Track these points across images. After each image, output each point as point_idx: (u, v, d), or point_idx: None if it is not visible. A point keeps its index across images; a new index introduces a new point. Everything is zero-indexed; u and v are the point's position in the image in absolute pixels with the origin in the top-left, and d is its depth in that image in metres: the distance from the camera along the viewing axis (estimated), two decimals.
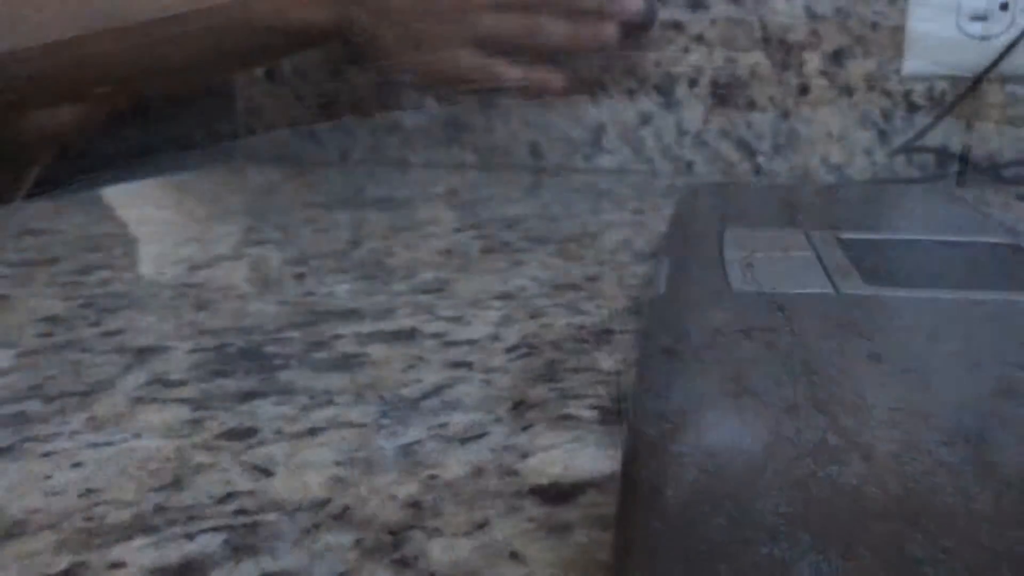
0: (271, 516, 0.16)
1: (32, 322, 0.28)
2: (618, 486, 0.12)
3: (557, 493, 0.17)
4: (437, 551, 0.15)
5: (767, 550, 0.10)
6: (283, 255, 0.38)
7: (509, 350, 0.26)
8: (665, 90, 0.64)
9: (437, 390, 0.22)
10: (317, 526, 0.16)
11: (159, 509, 0.17)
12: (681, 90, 0.64)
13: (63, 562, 0.15)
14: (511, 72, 0.54)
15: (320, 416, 0.21)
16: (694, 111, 0.64)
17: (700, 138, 0.64)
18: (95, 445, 0.19)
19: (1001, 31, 0.56)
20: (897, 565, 0.10)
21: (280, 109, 0.68)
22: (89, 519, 0.16)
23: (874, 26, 0.60)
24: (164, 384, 0.23)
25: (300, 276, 0.34)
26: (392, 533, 0.16)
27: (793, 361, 0.16)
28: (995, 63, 0.56)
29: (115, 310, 0.29)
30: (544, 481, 0.18)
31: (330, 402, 0.22)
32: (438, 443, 0.19)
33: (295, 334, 0.27)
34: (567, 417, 0.21)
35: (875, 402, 0.14)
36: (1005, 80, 0.58)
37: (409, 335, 0.27)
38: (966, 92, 0.57)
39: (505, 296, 0.31)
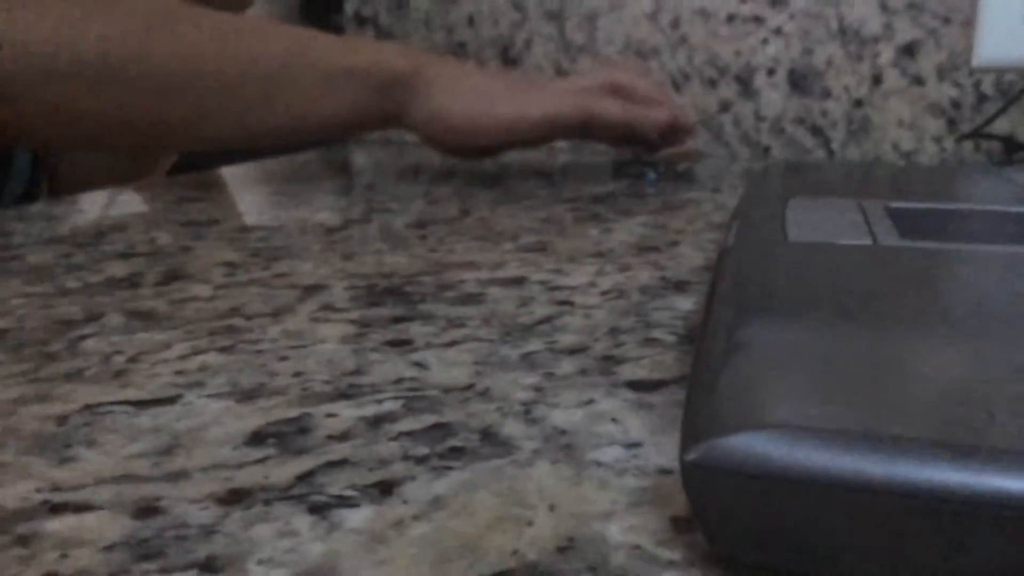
0: (433, 392, 0.22)
1: (215, 266, 0.35)
2: (688, 385, 0.18)
3: (644, 385, 0.23)
4: (559, 416, 0.21)
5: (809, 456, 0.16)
6: (404, 220, 0.44)
7: (603, 293, 0.31)
8: (744, 79, 0.68)
9: (547, 319, 0.28)
10: (467, 399, 0.22)
11: (352, 385, 0.22)
12: (760, 79, 0.68)
13: (294, 412, 0.21)
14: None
15: (457, 334, 0.27)
16: (771, 99, 0.68)
17: (777, 124, 0.68)
18: (292, 347, 0.25)
19: None
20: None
21: None
22: (304, 389, 0.22)
23: (945, 20, 0.63)
24: (332, 310, 0.29)
25: (423, 237, 0.40)
26: (523, 404, 0.21)
27: (817, 298, 0.21)
28: None
29: (278, 258, 0.36)
30: (635, 377, 0.23)
31: (463, 325, 0.27)
32: (551, 353, 0.25)
33: (426, 279, 0.33)
34: (651, 340, 0.26)
35: (872, 326, 0.19)
36: None
37: (519, 282, 0.32)
38: None
39: (597, 255, 0.37)
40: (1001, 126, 0.63)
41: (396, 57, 0.51)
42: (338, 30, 0.81)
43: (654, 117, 0.54)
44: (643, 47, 0.71)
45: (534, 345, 0.26)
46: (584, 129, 0.53)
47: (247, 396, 0.22)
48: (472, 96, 0.52)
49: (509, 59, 0.75)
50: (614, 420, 0.20)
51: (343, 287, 0.32)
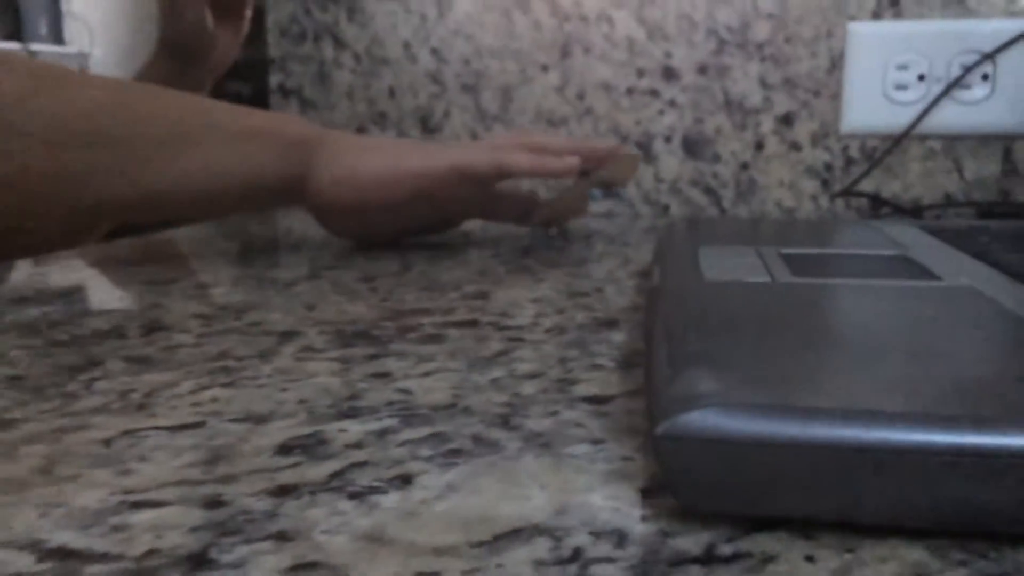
0: (422, 411, 0.26)
1: (190, 317, 0.38)
2: (646, 396, 0.22)
3: (597, 399, 0.27)
4: (532, 424, 0.25)
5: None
6: (352, 275, 0.47)
7: (547, 331, 0.35)
8: (644, 145, 0.75)
9: (503, 352, 0.32)
10: (452, 414, 0.26)
11: (351, 408, 0.26)
12: (658, 145, 0.74)
13: (308, 430, 0.24)
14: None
15: (430, 366, 0.30)
16: (669, 163, 0.74)
17: (675, 185, 0.74)
18: (288, 381, 0.29)
19: (919, 98, 0.67)
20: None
21: None
22: (311, 412, 0.26)
23: (816, 94, 0.71)
24: (312, 350, 0.32)
25: (373, 289, 0.44)
26: (500, 416, 0.25)
27: (736, 318, 0.26)
28: (914, 124, 0.67)
29: (246, 310, 0.39)
30: (588, 394, 0.27)
31: (432, 359, 0.31)
32: (513, 378, 0.29)
33: (388, 324, 0.36)
34: (596, 365, 0.31)
35: (779, 335, 0.24)
36: (923, 138, 0.69)
37: (472, 323, 0.37)
38: (892, 147, 0.69)
39: (535, 300, 0.41)
40: (867, 185, 0.71)
41: (298, 122, 0.51)
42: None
43: (566, 163, 0.51)
44: (552, 116, 0.77)
45: (498, 372, 0.30)
46: (496, 179, 0.51)
47: (263, 419, 0.25)
48: (379, 153, 0.50)
49: (428, 128, 0.80)
50: (578, 425, 0.25)
51: (315, 332, 0.35)
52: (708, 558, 0.17)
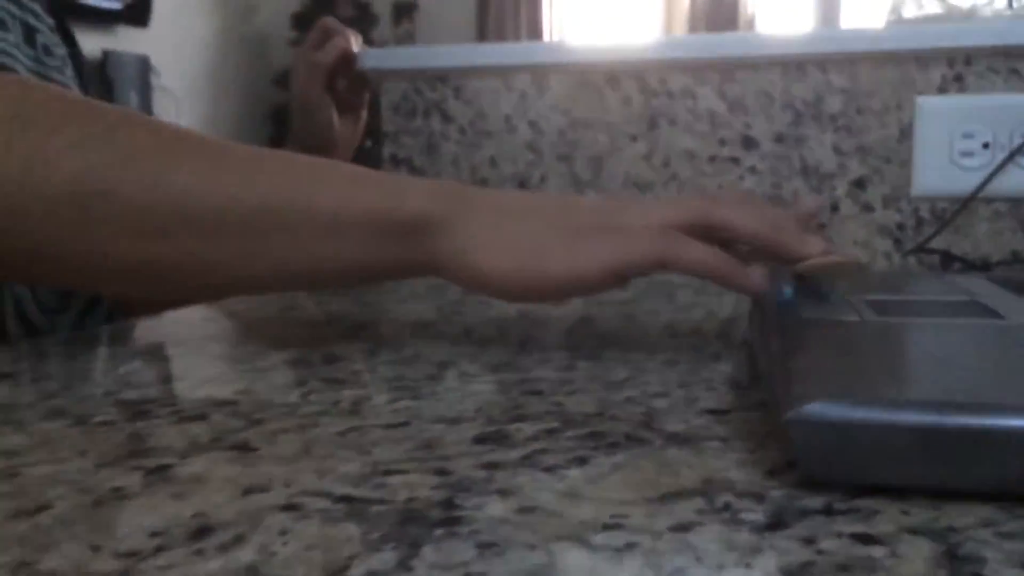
0: (577, 418, 0.32)
1: (355, 352, 0.44)
2: (769, 399, 0.28)
3: (719, 412, 0.32)
4: (671, 426, 0.30)
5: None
6: (479, 318, 0.54)
7: (664, 363, 0.41)
8: None
9: (631, 378, 0.38)
10: (601, 420, 0.31)
11: (519, 415, 0.32)
12: None
13: (492, 428, 0.30)
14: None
15: (572, 387, 0.36)
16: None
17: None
18: (460, 396, 0.35)
19: (984, 164, 0.72)
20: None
21: None
22: (488, 417, 0.32)
23: (887, 160, 0.76)
24: (467, 375, 0.39)
25: (504, 331, 0.50)
26: (643, 423, 0.31)
27: (835, 346, 0.31)
28: (980, 187, 0.72)
29: (398, 348, 0.46)
30: (710, 407, 0.33)
31: (572, 382, 0.37)
32: (645, 396, 0.35)
33: (525, 358, 0.43)
34: (712, 388, 0.36)
35: (870, 357, 0.29)
36: (990, 200, 0.74)
37: (597, 356, 0.42)
38: (961, 207, 0.73)
39: (646, 337, 0.47)
40: (937, 244, 0.75)
41: (420, 197, 0.41)
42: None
43: (752, 282, 0.40)
44: (640, 181, 0.84)
45: (631, 392, 0.35)
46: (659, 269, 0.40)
47: (453, 421, 0.31)
48: (516, 249, 0.40)
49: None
50: (706, 428, 0.30)
51: (467, 362, 0.41)
52: (828, 511, 0.23)
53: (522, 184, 0.87)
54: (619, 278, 0.40)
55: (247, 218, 0.40)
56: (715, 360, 0.42)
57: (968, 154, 0.72)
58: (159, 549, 0.21)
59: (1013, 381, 0.25)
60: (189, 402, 0.34)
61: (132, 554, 0.20)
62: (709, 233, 0.40)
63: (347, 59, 0.80)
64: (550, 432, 0.30)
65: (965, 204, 0.73)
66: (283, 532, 0.22)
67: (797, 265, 0.41)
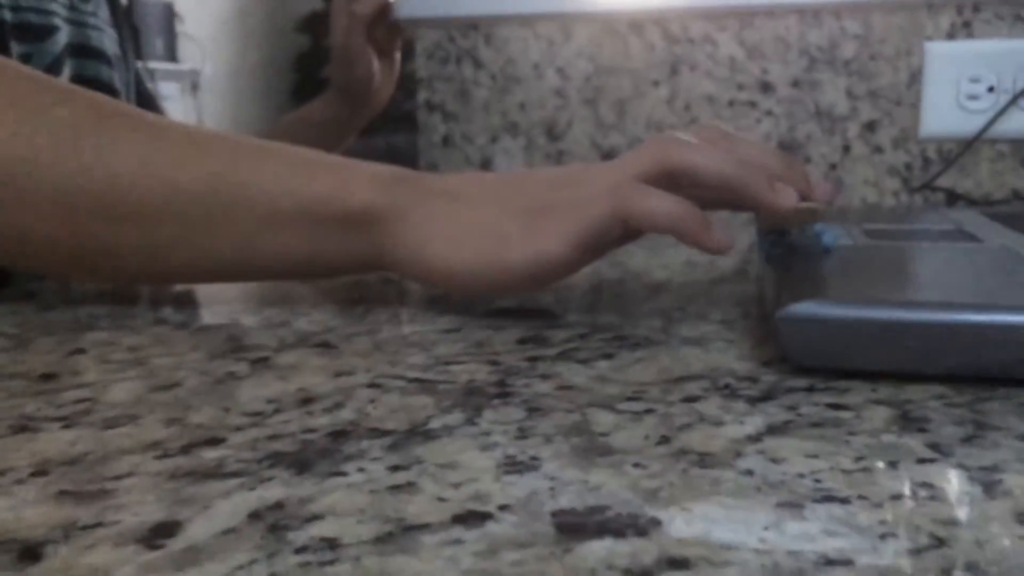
0: (604, 325, 0.37)
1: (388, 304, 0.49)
2: (765, 305, 0.32)
3: (726, 321, 0.37)
4: (683, 332, 0.35)
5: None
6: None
7: (680, 284, 0.46)
8: None
9: (652, 295, 0.43)
10: (623, 328, 0.36)
11: (554, 324, 0.37)
12: None
13: (532, 332, 0.35)
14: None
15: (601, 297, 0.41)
16: None
17: None
18: (499, 320, 0.40)
19: (989, 107, 0.75)
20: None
21: None
22: (526, 327, 0.37)
23: (897, 103, 0.80)
24: (502, 313, 0.44)
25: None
26: (661, 328, 0.36)
27: (825, 262, 0.36)
28: (984, 129, 0.75)
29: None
30: (719, 319, 0.38)
31: (602, 292, 0.42)
32: (662, 310, 0.40)
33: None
34: (720, 304, 0.41)
35: (855, 271, 0.34)
36: (993, 142, 0.77)
37: (620, 281, 0.47)
38: (966, 149, 0.77)
39: (663, 266, 0.52)
40: (943, 183, 0.79)
41: (367, 186, 0.38)
42: (326, 86, 0.91)
43: (715, 241, 0.35)
44: (662, 125, 0.87)
45: (649, 306, 0.40)
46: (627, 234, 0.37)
47: (499, 328, 0.36)
48: (473, 238, 0.37)
49: (553, 136, 0.91)
50: (716, 333, 0.35)
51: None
52: (810, 389, 0.28)
53: (550, 129, 0.91)
54: (587, 250, 0.36)
55: (183, 203, 0.37)
56: (729, 283, 0.46)
57: (974, 97, 0.76)
58: (276, 411, 0.26)
59: (972, 286, 0.30)
60: (269, 315, 0.39)
61: (256, 414, 0.26)
62: (674, 181, 0.36)
63: (384, 9, 0.84)
64: (582, 336, 0.35)
65: (970, 145, 0.76)
66: (371, 401, 0.27)
67: (760, 222, 0.40)
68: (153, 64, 3.24)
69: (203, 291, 0.45)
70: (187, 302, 0.42)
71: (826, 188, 0.39)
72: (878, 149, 0.81)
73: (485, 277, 0.36)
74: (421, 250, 0.37)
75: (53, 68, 0.59)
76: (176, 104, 3.12)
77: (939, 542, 0.17)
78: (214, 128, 0.41)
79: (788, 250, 0.35)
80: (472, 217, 0.37)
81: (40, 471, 0.22)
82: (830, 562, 0.17)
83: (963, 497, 0.20)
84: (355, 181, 0.38)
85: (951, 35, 0.77)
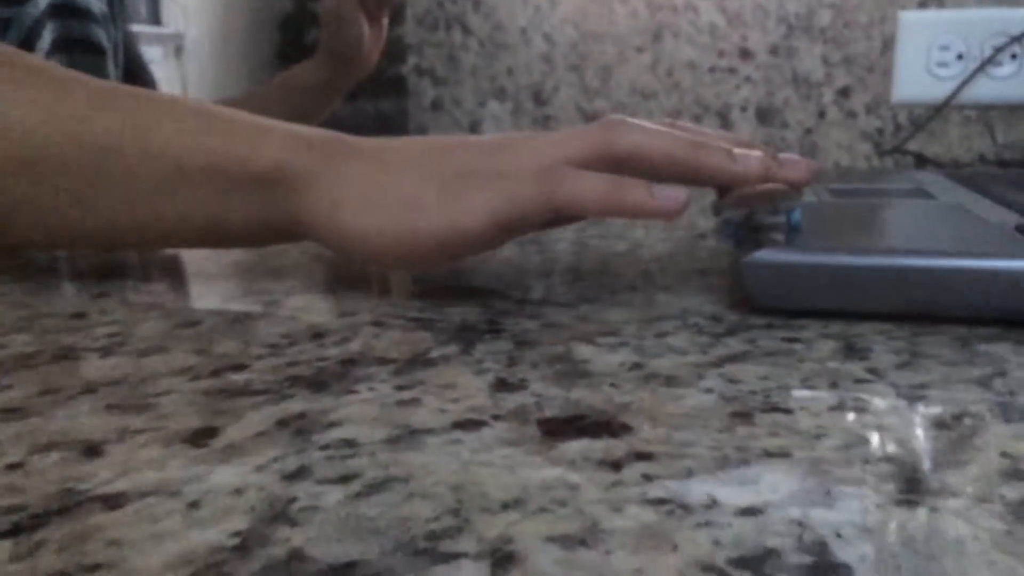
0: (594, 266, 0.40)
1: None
2: (735, 253, 0.35)
3: (704, 272, 0.40)
4: (660, 281, 0.38)
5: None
6: None
7: (660, 240, 0.49)
8: (723, 114, 0.87)
9: (633, 250, 0.46)
10: (610, 276, 0.39)
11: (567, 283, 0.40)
12: (735, 114, 0.87)
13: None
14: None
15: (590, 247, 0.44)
16: (744, 129, 0.87)
17: None
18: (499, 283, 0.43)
19: (957, 74, 0.78)
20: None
21: None
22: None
23: (870, 70, 0.82)
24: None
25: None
26: (643, 276, 0.39)
27: (795, 216, 0.39)
28: (953, 95, 0.78)
29: None
30: (696, 268, 0.41)
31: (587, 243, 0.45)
32: (642, 262, 0.43)
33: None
34: (698, 257, 0.44)
35: (815, 225, 0.37)
36: (961, 108, 0.80)
37: (603, 237, 0.50)
38: (934, 114, 0.80)
39: (644, 224, 0.54)
40: (913, 147, 0.82)
41: (277, 146, 0.35)
42: (311, 49, 0.92)
43: (661, 205, 0.32)
44: (646, 91, 0.90)
45: (629, 259, 0.43)
46: (556, 219, 0.36)
47: (490, 277, 0.39)
48: (385, 205, 0.34)
49: (540, 101, 0.93)
50: (689, 280, 0.38)
51: None
52: (768, 326, 0.31)
53: (536, 94, 0.93)
54: (505, 229, 0.33)
55: (83, 159, 0.35)
56: (703, 238, 0.49)
57: (943, 64, 0.78)
58: (292, 344, 0.29)
59: (919, 237, 0.33)
60: (272, 264, 0.42)
61: (273, 345, 0.29)
62: (620, 167, 0.34)
63: None
64: (565, 283, 0.38)
65: (938, 110, 0.79)
66: (376, 336, 0.30)
67: (717, 203, 0.37)
68: (136, 27, 3.23)
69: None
70: (192, 258, 0.45)
71: (801, 166, 0.36)
72: (851, 114, 0.84)
73: (395, 246, 0.34)
74: (331, 215, 0.34)
75: (34, 29, 0.61)
76: (160, 68, 3.10)
77: (864, 440, 0.21)
78: (198, 95, 0.39)
79: (752, 230, 0.35)
80: (388, 182, 0.34)
81: (88, 390, 0.24)
82: (770, 455, 0.20)
83: (890, 408, 0.23)
84: (266, 140, 0.35)
85: (923, 4, 0.80)
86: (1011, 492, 0.18)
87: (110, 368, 0.26)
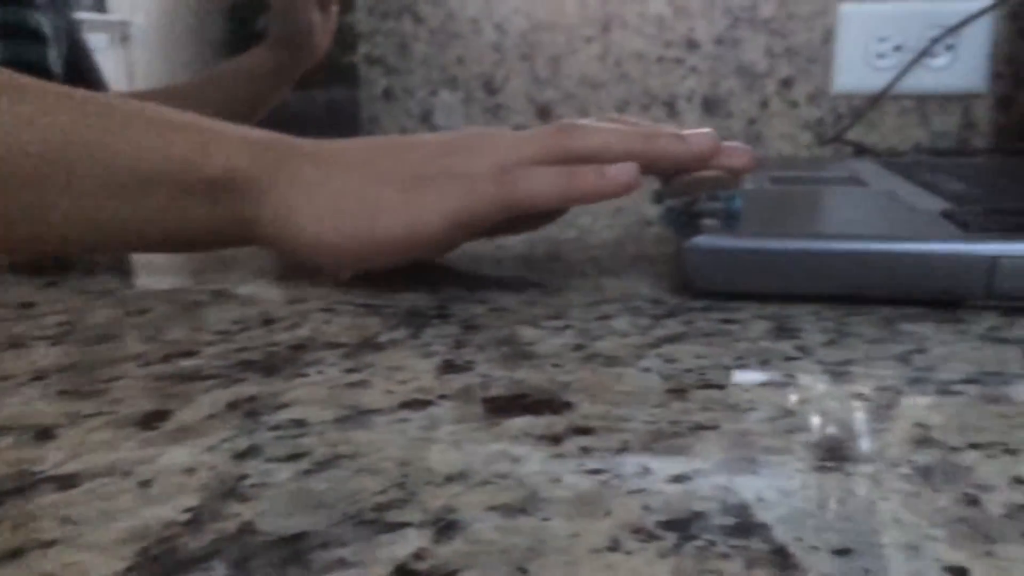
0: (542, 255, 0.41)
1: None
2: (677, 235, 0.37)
3: (648, 258, 0.41)
4: (605, 265, 0.39)
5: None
6: None
7: (607, 227, 0.50)
8: (670, 104, 0.89)
9: (580, 236, 0.47)
10: (560, 265, 0.40)
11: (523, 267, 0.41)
12: (681, 104, 0.88)
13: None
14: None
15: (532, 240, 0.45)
16: (690, 119, 0.88)
17: None
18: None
19: (895, 65, 0.81)
20: None
21: None
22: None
23: (811, 60, 0.85)
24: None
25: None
26: (591, 262, 0.40)
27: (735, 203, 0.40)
28: (890, 86, 0.80)
29: None
30: (638, 254, 0.42)
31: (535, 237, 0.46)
32: (589, 247, 0.44)
33: None
34: (642, 242, 0.45)
35: (753, 211, 0.38)
36: (898, 98, 0.82)
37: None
38: (872, 105, 0.82)
39: (589, 212, 0.55)
40: (853, 136, 0.84)
41: (230, 151, 0.35)
42: (261, 36, 0.94)
43: (612, 181, 0.33)
44: (594, 81, 0.91)
45: (575, 247, 0.44)
46: (513, 220, 0.36)
47: (438, 264, 0.40)
48: (342, 209, 0.34)
49: (492, 90, 0.94)
50: (632, 266, 0.39)
51: None
52: (706, 309, 0.32)
53: (487, 84, 0.94)
54: (464, 230, 0.34)
55: (33, 165, 0.33)
56: (647, 225, 0.50)
57: (882, 55, 0.81)
58: (241, 330, 0.29)
59: (849, 222, 0.34)
60: (222, 254, 0.42)
61: (223, 332, 0.29)
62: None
63: None
64: (512, 269, 0.39)
65: (876, 101, 0.82)
66: (326, 322, 0.30)
67: (660, 191, 0.39)
68: (81, 15, 3.15)
69: None
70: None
71: (742, 154, 0.37)
72: (794, 104, 0.86)
73: (352, 249, 0.34)
74: (287, 221, 0.34)
75: None
76: (105, 56, 3.03)
77: (790, 413, 0.22)
78: (145, 83, 0.37)
79: (693, 217, 0.35)
80: (344, 185, 0.34)
81: (39, 376, 0.25)
82: (702, 427, 0.21)
83: (815, 383, 0.24)
84: (218, 144, 0.34)
85: None
86: (921, 458, 0.19)
87: (61, 355, 0.27)
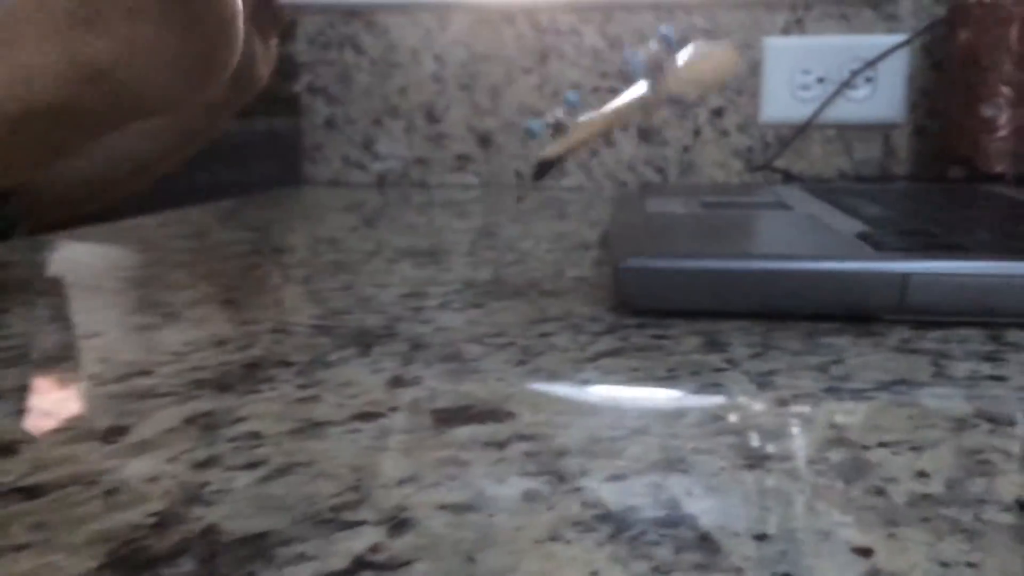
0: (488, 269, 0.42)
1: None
2: (610, 261, 0.38)
3: (582, 279, 0.43)
4: (544, 286, 0.41)
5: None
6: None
7: (546, 251, 0.51)
8: (606, 134, 0.91)
9: (521, 260, 0.48)
10: (502, 284, 0.42)
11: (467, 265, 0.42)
12: (617, 133, 0.91)
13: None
14: None
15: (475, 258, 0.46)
16: (626, 148, 0.91)
17: (631, 165, 0.91)
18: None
19: (818, 96, 0.85)
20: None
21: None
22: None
23: (739, 92, 0.88)
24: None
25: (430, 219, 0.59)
26: (529, 284, 0.41)
27: (662, 227, 0.42)
28: (813, 116, 0.84)
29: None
30: (576, 276, 0.44)
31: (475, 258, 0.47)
32: (528, 269, 0.45)
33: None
34: (579, 265, 0.47)
35: (685, 234, 0.40)
36: (822, 127, 0.86)
37: (492, 247, 0.53)
38: (797, 134, 0.86)
39: (535, 237, 0.57)
40: (780, 163, 0.88)
41: None
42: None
43: None
44: (533, 110, 0.93)
45: (517, 269, 0.46)
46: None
47: (382, 286, 0.41)
48: None
49: (434, 119, 0.96)
50: (571, 287, 0.41)
51: (390, 252, 0.51)
52: (641, 326, 0.34)
53: (429, 113, 0.96)
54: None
55: None
56: (587, 248, 0.52)
57: (806, 87, 0.85)
58: (195, 350, 0.30)
59: (774, 243, 0.37)
60: (173, 278, 0.43)
61: (176, 352, 0.30)
62: None
63: None
64: (457, 291, 0.40)
65: (801, 130, 0.85)
66: (277, 342, 0.31)
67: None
68: None
69: (101, 255, 0.48)
70: (89, 264, 0.45)
71: None
72: (724, 133, 0.89)
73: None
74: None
75: None
76: None
77: (718, 418, 0.23)
78: None
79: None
80: None
81: None
82: (637, 432, 0.22)
83: (741, 391, 0.26)
84: None
85: (786, 31, 0.86)
86: (835, 456, 0.21)
87: (17, 376, 0.27)
